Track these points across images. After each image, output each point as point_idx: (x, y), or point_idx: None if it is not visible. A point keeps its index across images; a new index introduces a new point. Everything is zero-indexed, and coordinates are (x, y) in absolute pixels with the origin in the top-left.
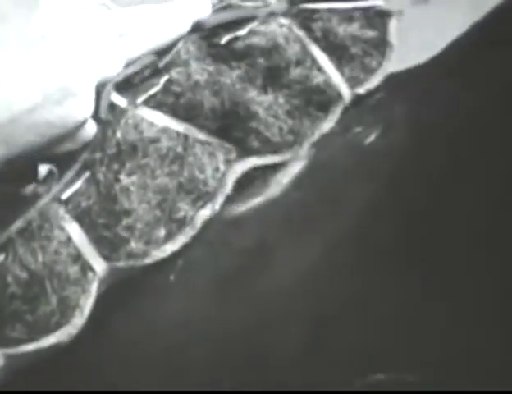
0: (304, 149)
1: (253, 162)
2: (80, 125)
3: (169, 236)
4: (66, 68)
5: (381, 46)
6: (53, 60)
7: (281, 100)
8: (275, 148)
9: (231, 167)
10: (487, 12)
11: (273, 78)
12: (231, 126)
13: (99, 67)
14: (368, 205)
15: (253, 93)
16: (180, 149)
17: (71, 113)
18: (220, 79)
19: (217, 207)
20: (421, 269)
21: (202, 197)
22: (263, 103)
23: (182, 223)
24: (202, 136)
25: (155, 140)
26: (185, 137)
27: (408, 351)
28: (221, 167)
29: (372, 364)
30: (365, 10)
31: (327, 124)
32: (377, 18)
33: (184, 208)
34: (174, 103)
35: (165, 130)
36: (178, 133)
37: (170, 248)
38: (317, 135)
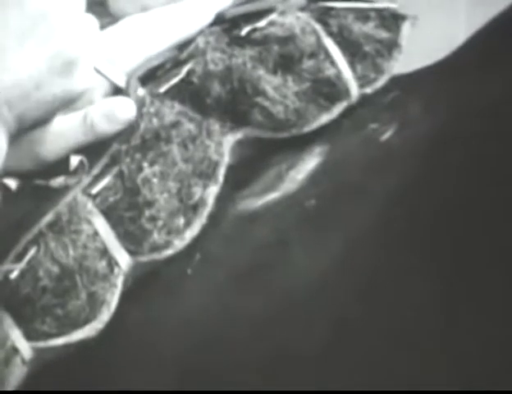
0: (301, 134)
1: (246, 132)
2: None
3: (187, 223)
4: (68, 42)
5: (392, 47)
6: (55, 35)
7: (290, 83)
8: (275, 125)
9: (225, 136)
10: (503, 10)
11: (285, 65)
12: (238, 102)
13: (97, 38)
14: (384, 201)
15: (262, 72)
16: (194, 132)
17: (75, 85)
18: (232, 60)
19: (221, 178)
20: (441, 265)
21: (209, 175)
22: (272, 82)
23: (197, 206)
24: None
25: (176, 124)
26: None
27: (431, 353)
28: (219, 139)
29: (391, 366)
30: (380, 11)
31: (327, 116)
32: (392, 20)
33: (198, 191)
34: (183, 92)
35: (183, 113)
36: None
37: (189, 234)
38: (315, 124)
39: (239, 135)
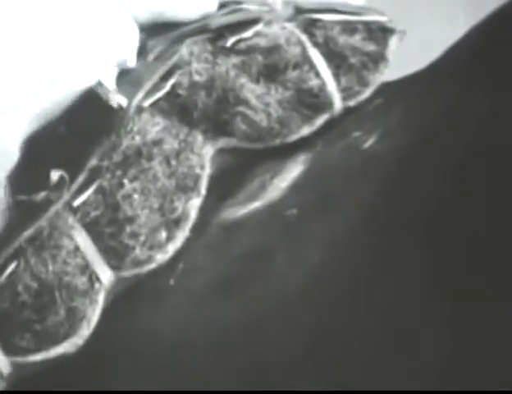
0: (285, 144)
1: (228, 142)
2: None
3: (170, 237)
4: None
5: (378, 60)
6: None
7: (273, 91)
8: (259, 134)
9: (207, 147)
10: (487, 16)
11: (268, 75)
12: (220, 112)
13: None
14: (367, 210)
15: (244, 80)
16: (177, 147)
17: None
18: (215, 69)
19: (203, 190)
20: (423, 274)
21: (192, 188)
22: (255, 90)
23: (179, 220)
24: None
25: (158, 141)
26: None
27: (409, 358)
28: (200, 150)
29: (371, 373)
30: (368, 24)
31: (309, 128)
32: (380, 33)
33: (180, 205)
34: (170, 106)
35: (167, 129)
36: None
37: (172, 247)
38: (295, 136)
39: (220, 144)
